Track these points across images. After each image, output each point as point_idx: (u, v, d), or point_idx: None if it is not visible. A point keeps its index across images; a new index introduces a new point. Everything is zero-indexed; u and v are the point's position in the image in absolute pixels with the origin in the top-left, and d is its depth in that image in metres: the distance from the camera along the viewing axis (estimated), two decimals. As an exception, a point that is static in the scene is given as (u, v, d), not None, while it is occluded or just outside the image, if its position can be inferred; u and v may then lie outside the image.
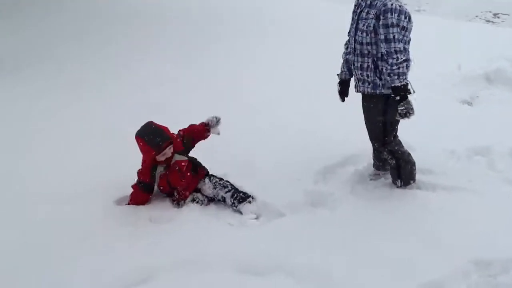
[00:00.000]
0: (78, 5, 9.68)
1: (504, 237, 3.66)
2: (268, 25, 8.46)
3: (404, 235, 3.75)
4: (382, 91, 3.95)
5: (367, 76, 3.96)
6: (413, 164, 4.30)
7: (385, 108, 4.00)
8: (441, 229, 3.79)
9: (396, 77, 3.77)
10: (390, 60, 3.75)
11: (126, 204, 4.28)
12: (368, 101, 4.11)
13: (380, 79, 3.91)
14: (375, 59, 3.90)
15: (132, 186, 4.28)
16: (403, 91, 3.83)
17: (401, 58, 3.74)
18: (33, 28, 8.51)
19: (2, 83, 6.75)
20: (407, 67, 3.79)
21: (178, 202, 4.31)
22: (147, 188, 4.28)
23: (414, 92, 3.92)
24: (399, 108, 3.83)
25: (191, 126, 4.44)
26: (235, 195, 4.28)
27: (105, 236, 3.85)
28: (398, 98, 3.83)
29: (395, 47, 3.72)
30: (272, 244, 3.77)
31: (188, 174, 4.35)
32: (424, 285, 3.28)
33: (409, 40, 3.89)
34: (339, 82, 4.37)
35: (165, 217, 4.13)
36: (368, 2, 3.85)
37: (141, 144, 4.09)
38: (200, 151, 4.54)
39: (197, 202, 4.33)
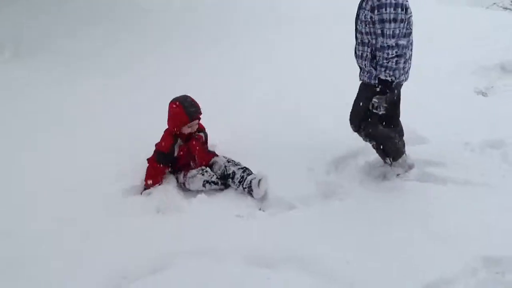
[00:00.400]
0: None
1: (514, 234, 3.64)
2: (274, 20, 8.42)
3: (413, 230, 3.74)
4: (376, 81, 3.96)
5: (365, 65, 4.04)
6: (394, 137, 4.32)
7: (371, 97, 4.00)
8: (450, 224, 3.77)
9: (383, 69, 3.80)
10: (382, 54, 3.78)
11: (143, 185, 4.34)
12: (361, 88, 4.15)
13: (376, 69, 3.93)
14: (374, 49, 3.92)
15: (148, 160, 4.40)
16: (385, 86, 3.87)
17: (391, 54, 3.74)
18: (35, 16, 8.45)
19: (19, 69, 6.78)
20: (397, 63, 3.78)
21: (186, 177, 4.38)
22: (165, 159, 4.36)
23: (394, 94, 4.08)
24: (374, 99, 3.93)
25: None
26: (247, 171, 4.38)
27: (111, 229, 3.88)
28: (378, 89, 3.90)
29: (387, 43, 3.73)
30: (283, 236, 3.79)
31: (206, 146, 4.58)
32: (432, 281, 3.27)
33: (409, 32, 3.88)
34: None
35: (173, 209, 4.14)
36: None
37: (176, 109, 4.28)
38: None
39: (203, 175, 4.35)
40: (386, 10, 3.65)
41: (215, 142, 4.82)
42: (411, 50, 4.04)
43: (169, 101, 4.36)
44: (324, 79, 6.17)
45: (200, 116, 4.38)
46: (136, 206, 4.14)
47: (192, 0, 9.34)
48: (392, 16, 3.66)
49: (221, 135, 4.93)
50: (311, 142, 4.91)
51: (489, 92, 5.92)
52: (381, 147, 4.32)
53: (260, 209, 4.28)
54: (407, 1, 3.79)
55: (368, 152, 4.70)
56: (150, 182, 4.31)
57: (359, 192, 4.27)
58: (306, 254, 3.55)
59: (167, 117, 4.40)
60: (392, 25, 3.68)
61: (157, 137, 4.43)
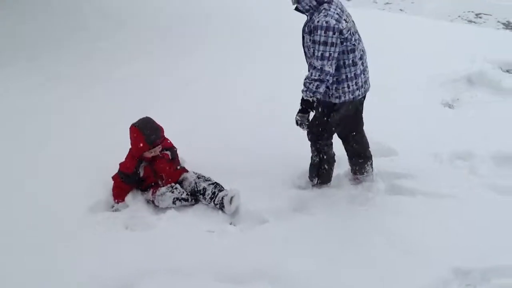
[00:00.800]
0: (59, 2, 9.53)
1: (485, 246, 3.67)
2: (258, 26, 8.38)
3: (383, 243, 3.76)
4: (330, 99, 3.97)
5: None
6: (332, 165, 4.43)
7: (328, 113, 4.05)
8: (420, 236, 3.80)
9: (304, 88, 3.82)
10: (308, 72, 3.81)
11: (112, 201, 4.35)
12: (317, 104, 4.07)
13: (328, 89, 3.91)
14: None
15: (113, 178, 4.33)
16: (306, 105, 3.93)
17: (314, 76, 3.73)
18: (29, 21, 8.35)
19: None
20: (317, 87, 3.76)
21: (155, 194, 4.30)
22: (129, 179, 4.31)
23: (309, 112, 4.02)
24: (296, 116, 4.02)
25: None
26: (218, 186, 4.33)
27: (77, 246, 3.82)
28: (300, 108, 3.98)
29: (314, 63, 3.72)
30: (254, 252, 3.77)
31: (173, 164, 4.47)
32: (404, 294, 3.30)
33: (352, 49, 3.82)
34: None
35: (142, 225, 4.09)
36: (309, 18, 3.82)
37: (135, 135, 4.17)
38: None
39: (173, 192, 4.28)
40: (317, 32, 3.63)
41: (186, 157, 4.75)
42: (362, 64, 3.97)
43: (130, 125, 4.27)
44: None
45: (160, 142, 4.29)
46: (104, 222, 4.06)
47: (170, 6, 9.30)
48: (322, 39, 3.62)
49: (202, 145, 4.94)
50: (288, 154, 4.87)
51: (455, 104, 5.98)
52: (320, 167, 4.37)
53: (231, 224, 4.24)
54: (346, 20, 3.74)
55: (341, 165, 4.71)
56: (115, 200, 4.33)
57: (330, 205, 4.25)
58: (277, 270, 3.54)
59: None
60: (322, 47, 3.64)
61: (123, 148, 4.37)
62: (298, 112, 3.99)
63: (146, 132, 4.15)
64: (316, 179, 4.42)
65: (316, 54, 3.68)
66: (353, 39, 3.80)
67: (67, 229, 3.98)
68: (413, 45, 7.41)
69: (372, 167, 4.55)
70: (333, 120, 4.08)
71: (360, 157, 4.47)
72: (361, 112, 4.38)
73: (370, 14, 8.93)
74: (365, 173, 4.51)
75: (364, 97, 4.16)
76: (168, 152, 4.44)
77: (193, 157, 4.78)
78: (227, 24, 8.17)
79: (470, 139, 5.04)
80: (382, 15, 9.18)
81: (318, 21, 3.62)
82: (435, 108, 5.84)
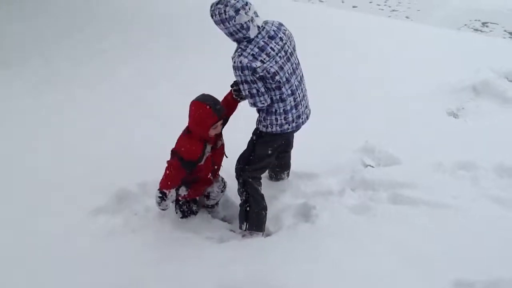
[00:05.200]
0: (69, 2, 9.58)
1: (487, 258, 3.63)
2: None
3: (384, 253, 3.72)
4: (259, 126, 3.94)
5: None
6: (264, 208, 4.14)
7: (256, 141, 3.99)
8: (423, 247, 3.76)
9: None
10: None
11: (157, 190, 3.88)
12: (253, 132, 4.06)
13: (259, 114, 3.91)
14: None
15: (171, 163, 3.84)
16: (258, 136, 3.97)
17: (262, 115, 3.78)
18: (23, 22, 8.41)
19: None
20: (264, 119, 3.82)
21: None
22: (191, 166, 3.86)
23: None
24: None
25: (224, 101, 3.99)
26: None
27: (76, 251, 3.82)
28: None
29: (249, 102, 3.71)
30: (254, 258, 3.75)
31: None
32: (404, 306, 3.27)
33: (276, 86, 3.65)
34: None
35: (144, 229, 4.10)
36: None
37: (200, 110, 3.70)
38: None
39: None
40: (236, 73, 3.54)
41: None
42: (294, 100, 3.80)
43: (191, 103, 3.79)
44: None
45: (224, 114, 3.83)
46: (104, 226, 4.06)
47: (176, 5, 9.33)
48: (242, 78, 3.53)
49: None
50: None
51: (460, 113, 5.96)
52: (248, 207, 4.08)
53: (231, 230, 4.25)
54: (263, 61, 3.50)
55: (342, 172, 4.70)
56: (168, 188, 3.87)
57: (331, 214, 4.23)
58: (276, 279, 3.52)
59: (189, 121, 3.86)
60: (246, 86, 3.58)
61: (123, 151, 4.34)
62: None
63: (212, 103, 3.71)
64: (245, 223, 4.11)
65: (245, 93, 3.63)
66: (276, 78, 3.61)
67: (67, 233, 3.99)
68: (418, 53, 7.41)
69: (287, 175, 4.69)
70: (260, 151, 3.99)
71: (278, 167, 4.58)
72: (292, 139, 4.40)
73: (377, 21, 8.95)
74: (279, 179, 4.69)
75: (297, 129, 4.04)
76: (223, 142, 4.08)
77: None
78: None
79: (474, 150, 5.01)
80: (389, 22, 9.17)
81: (234, 62, 3.52)
82: (439, 117, 5.81)
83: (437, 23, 9.14)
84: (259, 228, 4.14)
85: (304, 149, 4.84)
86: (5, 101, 6.14)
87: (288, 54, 3.70)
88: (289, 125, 3.87)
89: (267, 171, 4.63)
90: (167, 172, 3.83)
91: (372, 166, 4.91)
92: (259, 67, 3.50)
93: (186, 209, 4.26)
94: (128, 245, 3.92)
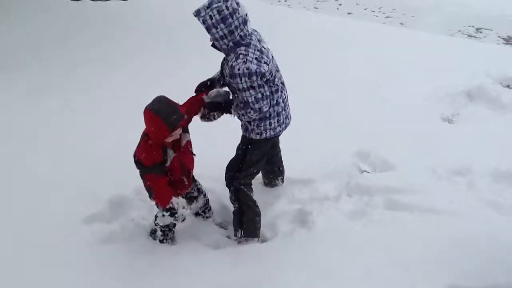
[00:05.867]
0: (64, 8, 9.58)
1: (483, 264, 3.64)
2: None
3: (379, 259, 3.73)
4: (250, 135, 3.89)
5: (241, 120, 3.87)
6: (258, 214, 4.13)
7: (245, 149, 3.96)
8: (418, 252, 3.77)
9: (238, 113, 3.72)
10: (246, 108, 3.63)
11: (161, 209, 3.75)
12: (241, 139, 4.03)
13: (250, 124, 3.84)
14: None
15: (145, 177, 3.61)
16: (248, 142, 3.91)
17: (252, 115, 3.65)
18: (19, 29, 8.40)
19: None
20: (249, 118, 3.71)
21: (186, 194, 4.03)
22: (162, 170, 3.59)
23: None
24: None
25: (191, 100, 3.85)
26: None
27: (72, 260, 3.80)
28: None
29: (252, 107, 3.58)
30: (251, 265, 3.76)
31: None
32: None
33: (275, 89, 3.70)
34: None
35: (141, 237, 4.10)
36: (226, 57, 3.65)
37: (153, 124, 3.40)
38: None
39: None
40: (241, 80, 3.45)
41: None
42: (283, 101, 3.83)
43: (144, 110, 3.46)
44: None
45: (182, 123, 3.49)
46: (99, 235, 4.05)
47: (172, 11, 9.34)
48: (248, 84, 3.47)
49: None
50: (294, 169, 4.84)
51: (455, 119, 5.98)
52: (242, 214, 4.08)
53: (228, 237, 4.24)
54: (266, 63, 3.54)
55: (337, 178, 4.71)
56: (167, 204, 3.67)
57: (327, 220, 4.23)
58: (271, 284, 3.52)
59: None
60: (252, 92, 3.51)
61: (119, 155, 4.31)
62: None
63: (165, 115, 3.36)
64: (240, 231, 4.12)
65: (250, 100, 3.55)
66: (275, 79, 3.68)
67: (62, 242, 3.97)
68: (413, 59, 7.43)
69: (282, 181, 4.68)
70: (251, 157, 3.97)
71: (272, 173, 4.59)
72: (278, 142, 4.40)
73: (371, 28, 8.98)
74: (274, 185, 4.68)
75: (284, 130, 4.04)
76: (189, 139, 3.79)
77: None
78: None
79: (469, 155, 5.02)
80: (383, 28, 9.19)
81: (238, 69, 3.44)
82: (434, 123, 5.83)
83: (431, 29, 9.18)
84: (254, 235, 4.14)
85: (299, 155, 4.87)
86: (1, 106, 6.12)
87: (272, 57, 3.73)
88: (280, 127, 3.90)
89: (261, 178, 4.65)
90: (155, 188, 3.61)
91: (368, 172, 4.92)
92: (267, 71, 3.52)
93: (161, 236, 4.07)
94: (124, 251, 3.90)
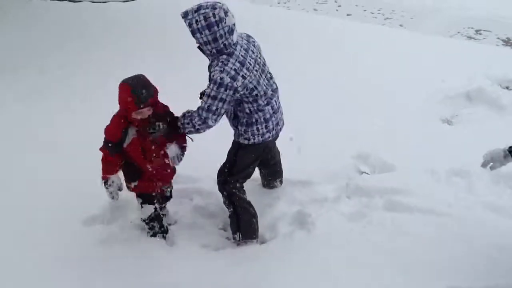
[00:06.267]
0: (63, 12, 9.60)
1: (483, 266, 3.65)
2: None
3: (379, 260, 3.74)
4: (239, 140, 3.90)
5: (231, 124, 3.92)
6: (254, 215, 4.13)
7: (234, 153, 3.96)
8: (417, 254, 3.77)
9: (183, 121, 3.68)
10: (194, 112, 3.62)
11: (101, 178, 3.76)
12: (232, 144, 4.03)
13: (237, 129, 3.85)
14: (233, 109, 3.80)
15: (100, 149, 3.66)
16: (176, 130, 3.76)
17: (195, 123, 3.57)
18: (18, 31, 8.42)
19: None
20: (190, 132, 3.69)
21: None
22: (116, 148, 3.63)
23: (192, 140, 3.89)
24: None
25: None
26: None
27: (71, 262, 3.81)
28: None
29: (200, 113, 3.53)
30: (249, 266, 3.77)
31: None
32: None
33: (253, 100, 3.67)
34: None
35: (138, 238, 4.09)
36: (210, 62, 3.63)
37: (122, 90, 3.48)
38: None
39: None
40: (210, 85, 3.47)
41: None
42: (271, 108, 3.81)
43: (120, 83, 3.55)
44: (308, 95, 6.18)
45: (152, 103, 3.56)
46: (98, 236, 4.05)
47: (169, 17, 9.32)
48: (213, 93, 3.45)
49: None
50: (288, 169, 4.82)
51: (454, 120, 5.98)
52: (238, 217, 4.07)
53: (227, 238, 4.24)
54: (244, 76, 3.48)
55: (337, 179, 4.71)
56: (103, 177, 3.75)
57: (327, 222, 4.23)
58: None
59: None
60: (210, 101, 3.48)
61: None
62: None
63: (134, 86, 3.46)
64: (238, 234, 4.11)
65: (203, 105, 3.51)
66: (253, 92, 3.63)
67: (61, 244, 3.98)
68: (412, 60, 7.43)
69: (280, 182, 4.68)
70: (241, 161, 3.97)
71: (270, 175, 4.60)
72: (273, 147, 4.39)
73: (370, 29, 8.99)
74: (272, 187, 4.67)
75: (277, 136, 4.07)
76: (173, 153, 3.78)
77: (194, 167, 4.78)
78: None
79: (469, 156, 4.95)
80: (382, 30, 9.20)
81: (213, 76, 3.45)
82: (433, 124, 5.83)
83: (431, 31, 9.19)
84: (253, 236, 4.14)
85: (298, 156, 4.88)
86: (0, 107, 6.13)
87: (261, 66, 3.71)
88: (269, 133, 3.88)
89: (260, 179, 4.64)
90: (102, 160, 3.69)
91: (367, 173, 4.92)
92: (239, 86, 3.47)
93: (149, 228, 4.10)
94: (123, 252, 3.90)
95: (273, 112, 3.84)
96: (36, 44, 8.08)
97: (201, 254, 4.01)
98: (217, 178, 4.07)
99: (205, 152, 4.75)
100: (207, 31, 3.38)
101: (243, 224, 4.08)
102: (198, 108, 3.57)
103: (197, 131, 3.63)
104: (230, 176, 4.00)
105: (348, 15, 10.56)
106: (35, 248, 3.93)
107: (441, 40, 8.58)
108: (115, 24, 9.11)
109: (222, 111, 3.54)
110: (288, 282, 3.63)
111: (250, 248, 4.07)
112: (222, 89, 3.42)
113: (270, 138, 3.92)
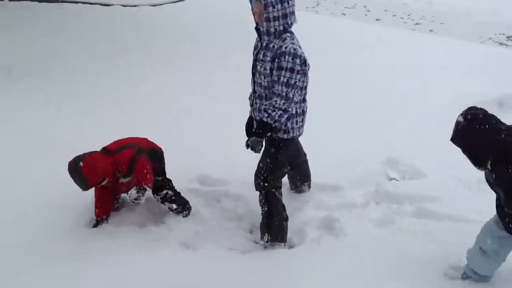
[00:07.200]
0: (94, 16, 9.73)
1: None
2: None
3: (409, 267, 3.70)
4: (278, 134, 3.87)
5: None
6: (286, 219, 4.11)
7: (275, 151, 3.94)
8: (449, 261, 3.72)
9: (266, 115, 3.66)
10: (271, 100, 3.67)
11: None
12: (266, 141, 3.98)
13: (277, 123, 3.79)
14: None
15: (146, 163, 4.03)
16: (263, 129, 3.75)
17: (279, 104, 3.61)
18: (45, 36, 8.54)
19: (12, 90, 6.77)
20: (281, 116, 3.66)
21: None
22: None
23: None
24: (250, 140, 3.82)
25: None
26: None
27: (82, 266, 3.81)
28: (256, 131, 3.80)
29: (279, 91, 3.59)
30: (276, 271, 3.77)
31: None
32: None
33: (305, 85, 3.78)
34: (247, 120, 4.15)
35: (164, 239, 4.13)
36: (264, 44, 3.69)
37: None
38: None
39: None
40: (285, 58, 3.51)
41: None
42: (306, 104, 3.91)
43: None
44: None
45: (89, 187, 3.90)
46: (113, 238, 4.10)
47: (199, 20, 9.42)
48: (289, 65, 3.51)
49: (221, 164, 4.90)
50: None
51: (485, 127, 5.89)
52: (270, 218, 4.05)
53: (254, 242, 4.25)
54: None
55: (366, 184, 4.69)
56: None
57: (357, 228, 4.22)
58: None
59: None
60: (288, 73, 3.53)
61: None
62: (251, 135, 3.83)
63: (73, 178, 3.87)
64: (267, 235, 4.08)
65: (281, 80, 3.55)
66: (307, 75, 3.73)
67: (69, 247, 3.99)
68: (441, 66, 7.38)
69: (308, 186, 4.66)
70: (280, 159, 3.96)
71: (298, 177, 4.57)
72: (301, 146, 4.40)
73: (400, 34, 8.94)
74: (301, 191, 4.65)
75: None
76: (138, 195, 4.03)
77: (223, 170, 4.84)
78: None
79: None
80: (412, 35, 9.15)
81: (286, 47, 3.53)
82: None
83: (461, 37, 9.11)
84: (282, 239, 4.13)
85: (327, 161, 4.86)
86: (28, 110, 6.22)
87: None
88: (303, 128, 3.96)
89: (288, 183, 4.64)
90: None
91: (397, 180, 4.89)
92: (307, 59, 3.61)
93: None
94: (149, 256, 3.93)
95: (304, 110, 3.90)
96: (67, 47, 8.19)
97: (227, 256, 4.01)
98: (256, 178, 4.05)
99: (233, 156, 4.80)
100: (279, 6, 3.50)
101: (274, 226, 4.06)
102: (275, 91, 3.62)
103: (286, 111, 3.65)
104: (271, 175, 3.99)
105: (377, 20, 10.54)
106: (39, 251, 3.96)
107: (472, 45, 8.49)
108: (144, 27, 9.21)
109: (300, 84, 3.64)
110: (314, 287, 3.61)
111: (278, 252, 4.06)
112: (298, 60, 3.54)
113: (302, 134, 3.98)
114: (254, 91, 3.93)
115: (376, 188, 4.68)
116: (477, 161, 3.17)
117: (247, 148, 3.85)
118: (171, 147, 4.45)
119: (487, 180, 3.29)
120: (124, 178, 4.06)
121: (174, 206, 4.33)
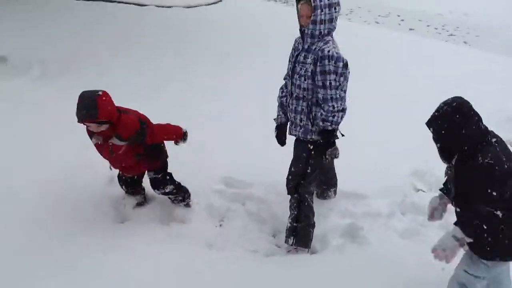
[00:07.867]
0: (128, 14, 9.82)
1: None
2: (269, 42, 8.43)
3: (434, 278, 3.64)
4: (313, 137, 3.87)
5: (300, 120, 3.88)
6: (313, 226, 4.11)
7: (311, 154, 3.92)
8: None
9: (328, 123, 3.70)
10: (326, 107, 3.70)
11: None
12: (298, 144, 4.00)
13: (312, 125, 3.83)
14: (310, 103, 3.82)
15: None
16: (332, 137, 3.79)
17: (337, 107, 3.68)
18: (79, 34, 8.63)
19: (47, 87, 6.85)
20: (342, 117, 3.74)
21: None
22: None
23: (343, 136, 3.97)
24: (327, 152, 3.82)
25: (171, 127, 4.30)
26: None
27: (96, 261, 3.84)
28: (324, 141, 3.81)
29: (331, 94, 3.65)
30: (297, 276, 3.75)
31: (129, 157, 4.08)
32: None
33: (345, 89, 3.77)
34: (276, 127, 4.21)
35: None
36: (306, 47, 3.73)
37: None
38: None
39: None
40: (329, 62, 3.58)
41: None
42: None
43: None
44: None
45: (90, 122, 3.82)
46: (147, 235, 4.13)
47: (230, 21, 9.44)
48: (332, 68, 3.59)
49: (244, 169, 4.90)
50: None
51: (518, 143, 5.79)
52: (298, 221, 4.03)
53: (277, 245, 4.24)
54: None
55: (392, 195, 4.64)
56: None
57: (381, 238, 4.19)
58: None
59: None
60: (333, 76, 3.61)
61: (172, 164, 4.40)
62: (327, 148, 3.81)
63: (78, 104, 3.81)
64: (292, 238, 4.05)
65: (328, 83, 3.64)
66: (348, 77, 3.77)
67: (78, 243, 4.02)
68: (475, 79, 7.25)
69: (334, 193, 4.64)
70: (316, 162, 3.95)
71: (325, 183, 4.55)
72: None
73: (433, 46, 8.83)
74: (326, 197, 4.64)
75: None
76: (119, 145, 3.99)
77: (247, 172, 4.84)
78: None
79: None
80: (446, 47, 9.03)
81: (328, 51, 3.61)
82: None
83: (496, 50, 8.96)
84: (306, 245, 4.11)
85: (353, 169, 4.82)
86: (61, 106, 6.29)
87: None
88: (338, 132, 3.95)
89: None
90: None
91: (424, 191, 4.83)
92: (348, 64, 3.67)
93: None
94: (170, 254, 3.95)
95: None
96: (100, 45, 8.24)
97: (249, 258, 4.02)
98: (289, 182, 4.04)
99: (258, 158, 4.81)
100: (327, 10, 3.59)
101: (300, 230, 4.04)
102: (327, 96, 3.67)
103: (344, 111, 3.76)
104: (304, 179, 3.98)
105: (410, 29, 10.44)
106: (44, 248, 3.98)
107: (506, 60, 8.34)
108: (176, 28, 9.26)
109: (344, 87, 3.73)
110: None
111: (300, 258, 4.04)
112: (340, 64, 3.62)
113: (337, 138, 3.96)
114: (291, 93, 3.92)
115: (402, 198, 4.64)
116: (445, 154, 3.10)
117: (326, 161, 3.95)
118: (197, 147, 4.47)
119: (446, 173, 3.25)
120: (117, 139, 3.96)
121: (180, 198, 4.41)
